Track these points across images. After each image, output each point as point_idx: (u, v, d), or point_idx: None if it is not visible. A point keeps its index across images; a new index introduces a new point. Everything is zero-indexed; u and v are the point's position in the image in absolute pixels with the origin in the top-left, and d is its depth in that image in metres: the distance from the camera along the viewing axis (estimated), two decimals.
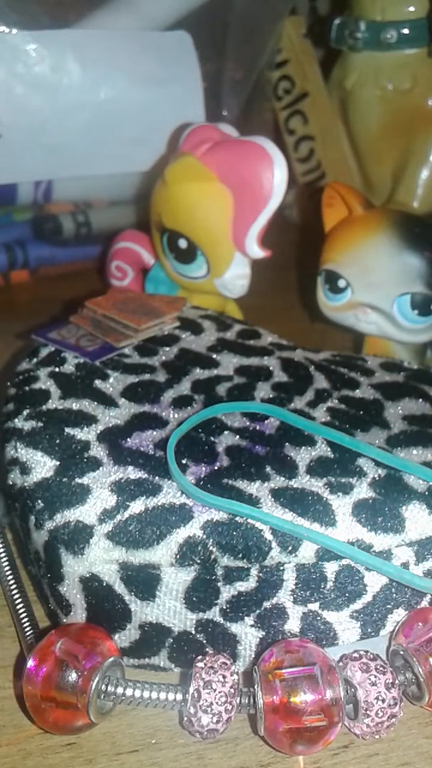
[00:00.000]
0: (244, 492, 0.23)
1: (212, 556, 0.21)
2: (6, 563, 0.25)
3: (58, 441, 0.24)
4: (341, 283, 0.33)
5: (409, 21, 0.45)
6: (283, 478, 0.23)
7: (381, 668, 0.20)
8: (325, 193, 0.35)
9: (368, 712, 0.20)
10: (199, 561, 0.21)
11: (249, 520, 0.22)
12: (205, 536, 0.21)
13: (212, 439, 0.25)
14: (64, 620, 0.23)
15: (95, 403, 0.26)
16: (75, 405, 0.26)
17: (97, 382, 0.28)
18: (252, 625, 0.22)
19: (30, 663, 0.20)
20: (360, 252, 0.32)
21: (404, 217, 0.33)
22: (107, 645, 0.21)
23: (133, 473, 0.23)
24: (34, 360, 0.29)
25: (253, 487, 0.23)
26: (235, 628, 0.22)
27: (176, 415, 0.26)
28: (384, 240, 0.32)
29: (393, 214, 0.33)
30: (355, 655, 0.21)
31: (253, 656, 0.22)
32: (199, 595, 0.22)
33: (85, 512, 0.22)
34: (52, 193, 0.47)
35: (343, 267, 0.32)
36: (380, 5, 0.45)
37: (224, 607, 0.22)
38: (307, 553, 0.21)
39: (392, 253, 0.31)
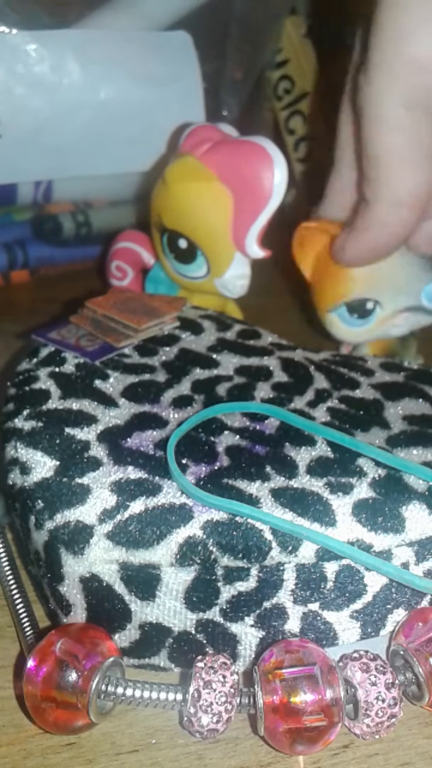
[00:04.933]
0: (244, 492, 0.23)
1: (212, 556, 0.21)
2: (6, 563, 0.25)
3: (58, 441, 0.24)
4: (369, 305, 0.33)
5: None
6: (283, 478, 0.23)
7: (381, 668, 0.20)
8: (297, 233, 0.34)
9: (368, 712, 0.20)
10: (199, 561, 0.21)
11: (249, 520, 0.22)
12: (205, 536, 0.21)
13: (212, 439, 0.25)
14: (64, 620, 0.23)
15: (95, 403, 0.26)
16: (75, 405, 0.26)
17: (97, 382, 0.28)
18: (252, 625, 0.22)
19: (30, 663, 0.20)
20: (379, 269, 0.32)
21: None
22: (107, 645, 0.21)
23: (133, 473, 0.23)
24: (34, 360, 0.29)
25: (253, 487, 0.23)
26: (235, 628, 0.22)
27: (176, 415, 0.26)
28: None
29: None
30: (355, 655, 0.21)
31: (253, 656, 0.22)
32: (199, 595, 0.22)
33: (85, 512, 0.22)
34: (52, 193, 0.47)
35: (369, 290, 0.33)
36: None
37: (224, 607, 0.22)
38: (307, 553, 0.21)
39: (404, 253, 0.32)
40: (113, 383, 0.28)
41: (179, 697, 0.20)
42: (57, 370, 0.28)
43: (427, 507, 0.23)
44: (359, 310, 0.33)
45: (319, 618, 0.22)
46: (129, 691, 0.20)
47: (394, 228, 0.30)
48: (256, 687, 0.20)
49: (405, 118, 0.27)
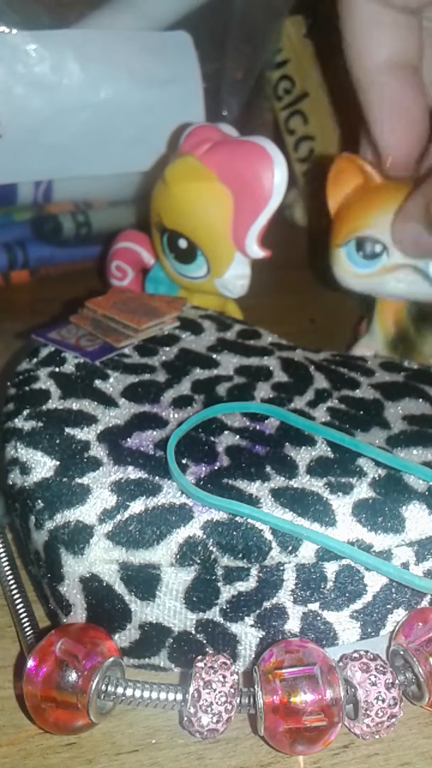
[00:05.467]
0: (244, 492, 0.23)
1: (212, 556, 0.21)
2: (6, 563, 0.25)
3: (58, 441, 0.24)
4: (377, 248, 0.33)
5: None
6: (283, 478, 0.23)
7: (381, 668, 0.20)
8: (335, 165, 0.35)
9: (368, 712, 0.20)
10: (199, 561, 0.21)
11: (249, 520, 0.22)
12: (205, 536, 0.21)
13: (212, 439, 0.25)
14: (64, 620, 0.23)
15: (95, 403, 0.26)
16: (75, 405, 0.26)
17: (97, 382, 0.28)
18: (252, 625, 0.22)
19: (30, 663, 0.20)
20: None
21: None
22: (107, 645, 0.21)
23: (133, 473, 0.23)
24: (34, 360, 0.29)
25: (253, 487, 0.23)
26: (235, 628, 0.22)
27: (176, 415, 0.26)
28: None
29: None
30: (355, 655, 0.21)
31: (253, 656, 0.22)
32: (199, 595, 0.22)
33: (85, 512, 0.22)
34: (52, 193, 0.47)
35: (381, 231, 0.33)
36: None
37: (224, 607, 0.22)
38: (307, 553, 0.21)
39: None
40: (113, 383, 0.28)
41: (179, 697, 0.20)
42: (57, 370, 0.28)
43: (427, 507, 0.23)
44: (366, 249, 0.33)
45: (319, 618, 0.22)
46: (129, 691, 0.20)
47: (388, 93, 0.32)
48: (256, 687, 0.20)
49: (373, 7, 0.32)
